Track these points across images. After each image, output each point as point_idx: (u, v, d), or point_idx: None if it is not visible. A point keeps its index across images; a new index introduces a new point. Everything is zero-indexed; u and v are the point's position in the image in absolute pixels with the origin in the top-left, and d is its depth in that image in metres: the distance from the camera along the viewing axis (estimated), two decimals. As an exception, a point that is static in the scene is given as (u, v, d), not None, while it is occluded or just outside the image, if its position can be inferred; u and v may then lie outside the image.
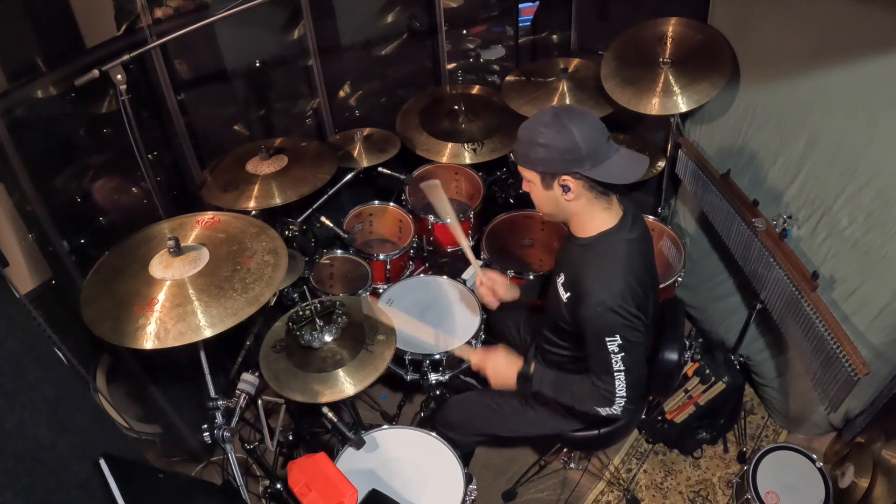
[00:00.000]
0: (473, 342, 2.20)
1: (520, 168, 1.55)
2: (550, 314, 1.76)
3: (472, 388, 2.37)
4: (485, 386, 2.01)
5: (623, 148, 1.48)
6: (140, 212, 2.38)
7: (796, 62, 2.09)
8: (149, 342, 1.41)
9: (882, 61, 1.80)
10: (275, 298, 1.90)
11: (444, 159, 2.74)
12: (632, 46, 2.48)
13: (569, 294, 1.61)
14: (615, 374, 1.52)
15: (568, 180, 1.46)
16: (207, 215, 1.75)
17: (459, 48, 3.34)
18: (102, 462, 1.38)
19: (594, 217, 1.53)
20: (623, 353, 1.48)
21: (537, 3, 3.26)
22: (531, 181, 1.54)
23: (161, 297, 1.49)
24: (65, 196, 2.21)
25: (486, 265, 2.47)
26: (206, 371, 1.68)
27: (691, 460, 2.45)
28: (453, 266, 2.66)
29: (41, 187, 2.03)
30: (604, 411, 1.61)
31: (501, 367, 1.77)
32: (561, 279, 1.65)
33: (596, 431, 1.87)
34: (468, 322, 2.25)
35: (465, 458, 2.08)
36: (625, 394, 1.55)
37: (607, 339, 1.47)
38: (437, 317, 2.30)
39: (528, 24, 3.38)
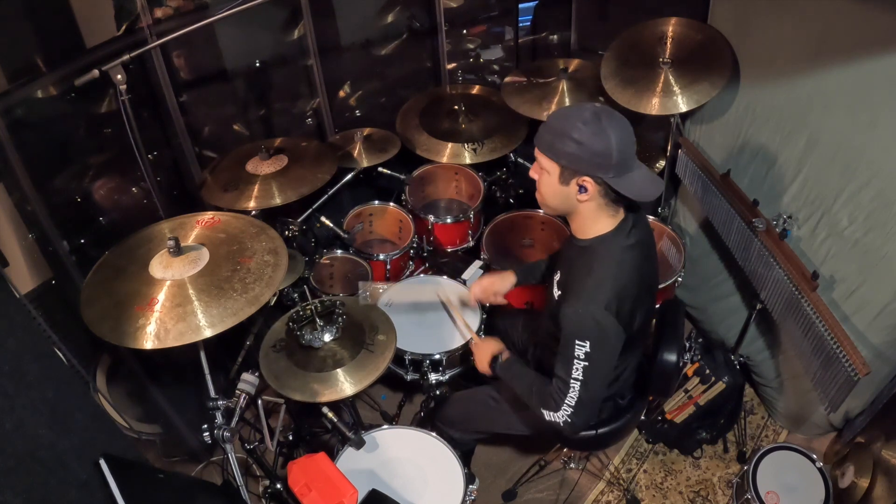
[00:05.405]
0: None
1: (539, 154, 1.49)
2: (547, 315, 1.76)
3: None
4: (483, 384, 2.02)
5: (643, 165, 1.47)
6: (140, 212, 2.38)
7: (796, 62, 2.08)
8: (149, 342, 1.41)
9: (882, 61, 1.80)
10: (275, 298, 1.90)
11: (444, 159, 2.74)
12: (632, 46, 2.48)
13: (560, 293, 1.61)
14: (571, 381, 1.51)
15: (588, 182, 1.43)
16: (207, 215, 1.75)
17: (459, 48, 3.34)
18: (102, 462, 1.38)
19: (598, 221, 1.52)
20: (587, 363, 1.47)
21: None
22: (547, 171, 1.48)
23: (161, 297, 1.49)
24: (65, 196, 2.21)
25: (486, 266, 2.47)
26: (206, 371, 1.68)
27: (691, 460, 2.45)
28: (453, 266, 2.66)
29: (41, 187, 2.03)
30: (547, 415, 1.60)
31: (486, 350, 1.85)
32: (557, 277, 1.67)
33: (595, 431, 1.86)
34: (468, 322, 2.24)
35: (466, 456, 2.08)
36: (573, 403, 1.53)
37: (577, 342, 1.46)
38: (437, 317, 2.30)
39: (528, 24, 3.38)
